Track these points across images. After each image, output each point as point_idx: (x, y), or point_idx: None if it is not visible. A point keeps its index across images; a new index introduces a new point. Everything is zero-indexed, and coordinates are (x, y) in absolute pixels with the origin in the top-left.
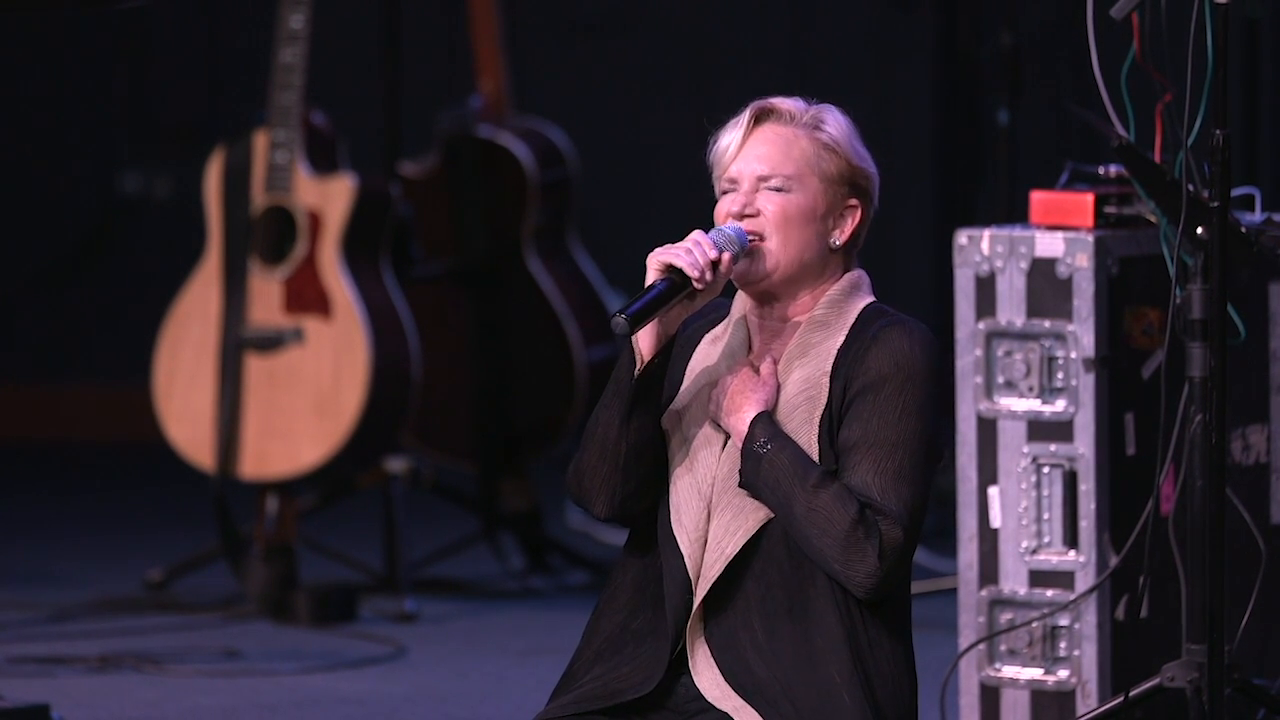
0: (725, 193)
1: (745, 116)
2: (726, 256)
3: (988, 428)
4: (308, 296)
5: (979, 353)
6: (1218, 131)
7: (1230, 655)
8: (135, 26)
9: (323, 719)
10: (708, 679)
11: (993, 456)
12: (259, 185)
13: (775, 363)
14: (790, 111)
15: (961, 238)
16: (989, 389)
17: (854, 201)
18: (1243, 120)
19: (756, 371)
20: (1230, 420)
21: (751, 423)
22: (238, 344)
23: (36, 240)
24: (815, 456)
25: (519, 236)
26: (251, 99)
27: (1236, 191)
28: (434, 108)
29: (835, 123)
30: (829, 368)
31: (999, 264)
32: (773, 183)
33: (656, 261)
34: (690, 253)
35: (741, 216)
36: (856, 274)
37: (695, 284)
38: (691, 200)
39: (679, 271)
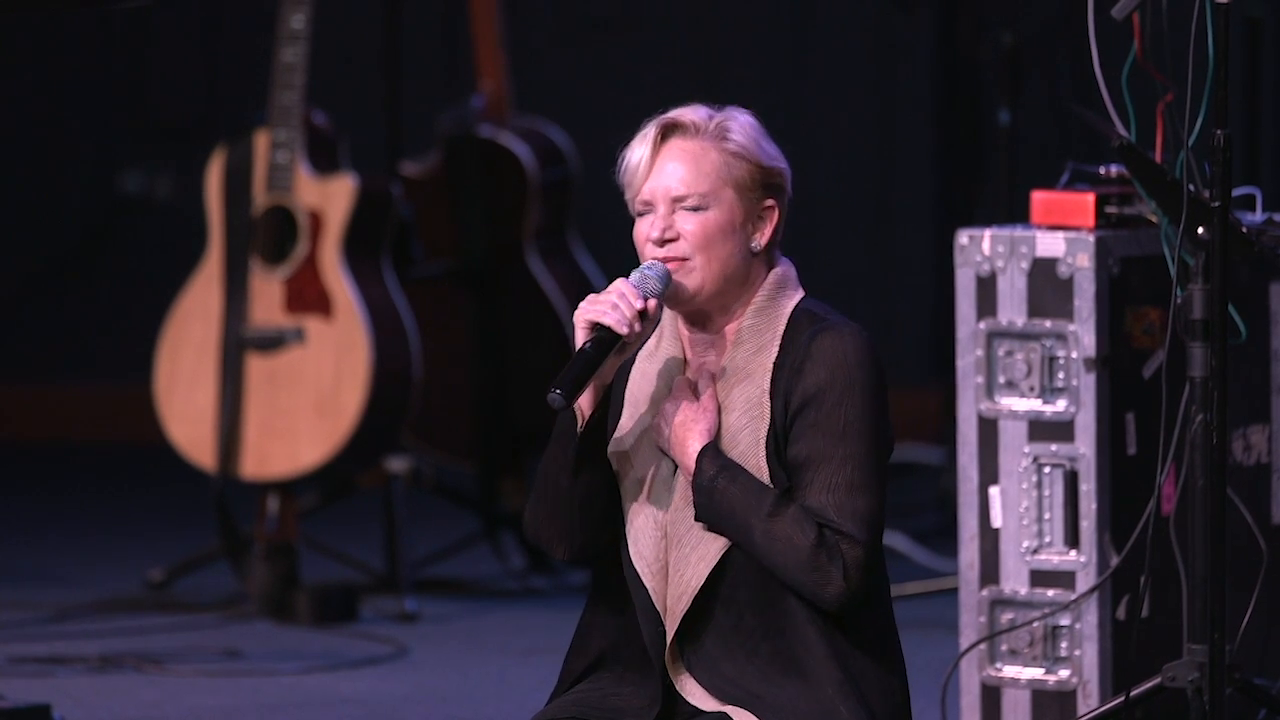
0: (641, 214)
1: (651, 133)
2: (653, 303)
3: (989, 427)
4: (309, 296)
5: (980, 353)
6: (1218, 131)
7: (1231, 655)
8: (136, 26)
9: (324, 719)
10: (701, 700)
11: (994, 456)
12: (260, 185)
13: (713, 378)
14: (695, 123)
15: (962, 238)
16: (990, 389)
17: (770, 202)
18: (1243, 120)
19: (696, 395)
20: (1231, 420)
21: (698, 456)
22: (239, 344)
23: (37, 240)
24: (766, 478)
25: (520, 236)
26: (252, 99)
27: (1237, 191)
28: (435, 107)
29: (740, 128)
30: (767, 385)
31: (1000, 264)
32: (689, 202)
33: (583, 320)
34: (616, 307)
35: (663, 242)
36: (780, 271)
37: (625, 339)
38: None
39: (607, 329)
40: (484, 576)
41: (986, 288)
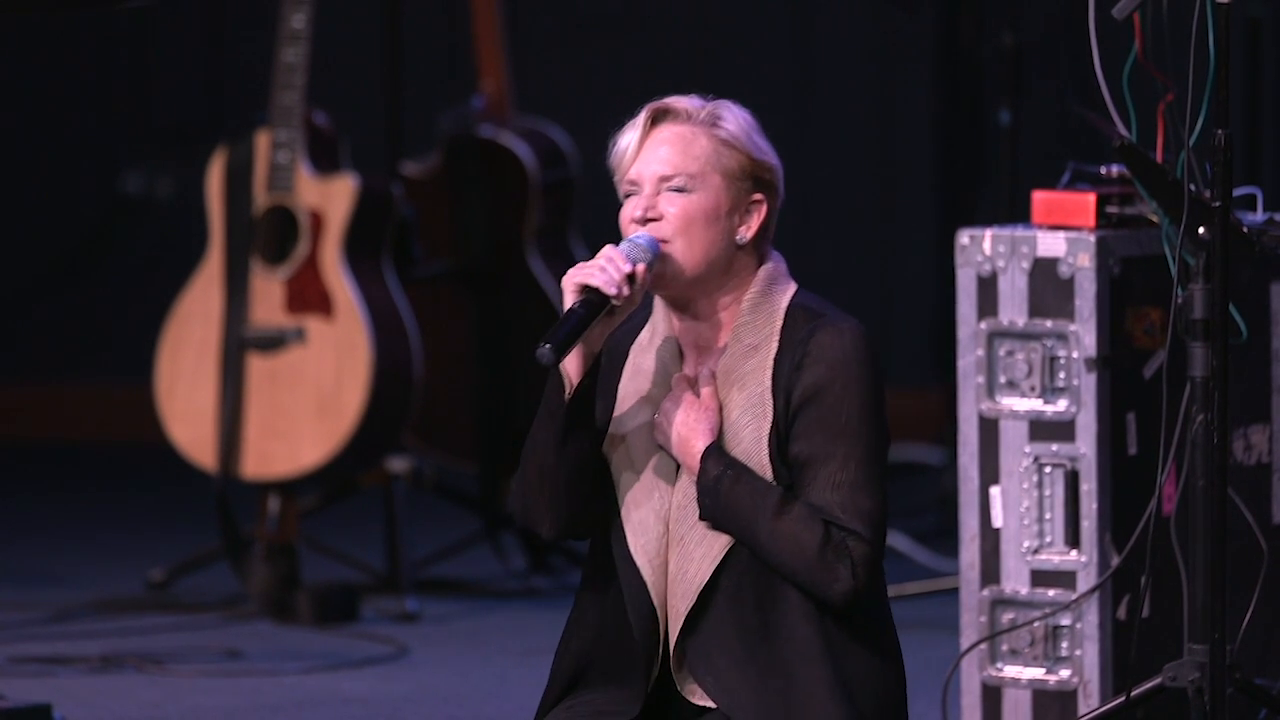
0: (628, 195)
1: (642, 118)
2: (641, 268)
3: (989, 427)
4: (309, 296)
5: (981, 353)
6: (1219, 131)
7: (1232, 655)
8: (137, 26)
9: (324, 719)
10: (699, 699)
11: (994, 456)
12: (261, 185)
13: (712, 375)
14: (687, 110)
15: (963, 237)
16: (991, 389)
17: (758, 196)
18: (1244, 120)
19: (695, 392)
20: (1232, 420)
21: (703, 456)
22: (239, 344)
23: (38, 240)
24: (769, 475)
25: (521, 236)
26: (253, 99)
27: (1238, 191)
28: (436, 107)
29: (733, 118)
30: (768, 382)
31: (1001, 264)
32: (674, 183)
33: (572, 284)
34: (604, 270)
35: (645, 221)
36: (771, 266)
37: (614, 301)
38: None
39: (596, 291)
40: (485, 577)
41: (987, 288)
